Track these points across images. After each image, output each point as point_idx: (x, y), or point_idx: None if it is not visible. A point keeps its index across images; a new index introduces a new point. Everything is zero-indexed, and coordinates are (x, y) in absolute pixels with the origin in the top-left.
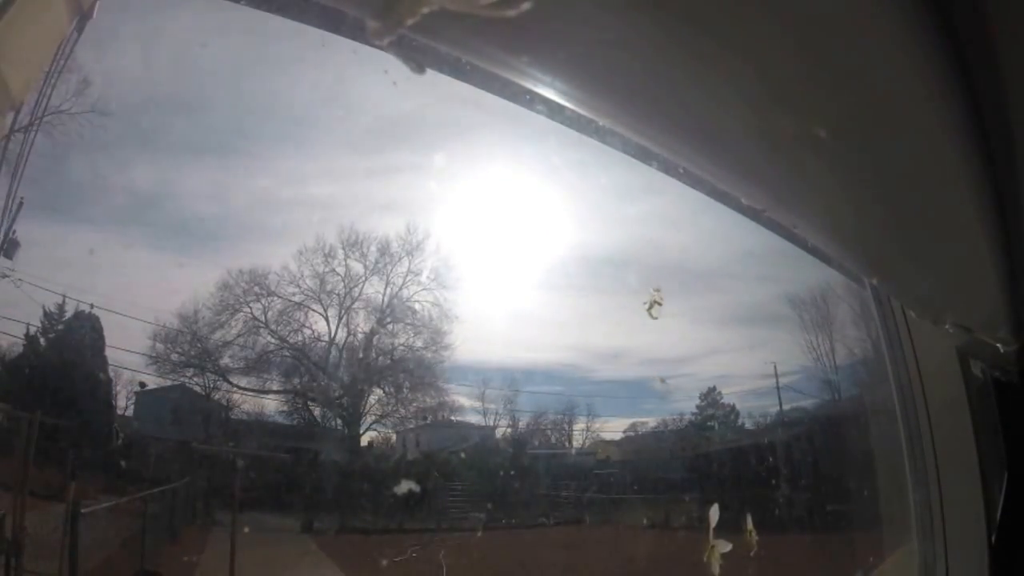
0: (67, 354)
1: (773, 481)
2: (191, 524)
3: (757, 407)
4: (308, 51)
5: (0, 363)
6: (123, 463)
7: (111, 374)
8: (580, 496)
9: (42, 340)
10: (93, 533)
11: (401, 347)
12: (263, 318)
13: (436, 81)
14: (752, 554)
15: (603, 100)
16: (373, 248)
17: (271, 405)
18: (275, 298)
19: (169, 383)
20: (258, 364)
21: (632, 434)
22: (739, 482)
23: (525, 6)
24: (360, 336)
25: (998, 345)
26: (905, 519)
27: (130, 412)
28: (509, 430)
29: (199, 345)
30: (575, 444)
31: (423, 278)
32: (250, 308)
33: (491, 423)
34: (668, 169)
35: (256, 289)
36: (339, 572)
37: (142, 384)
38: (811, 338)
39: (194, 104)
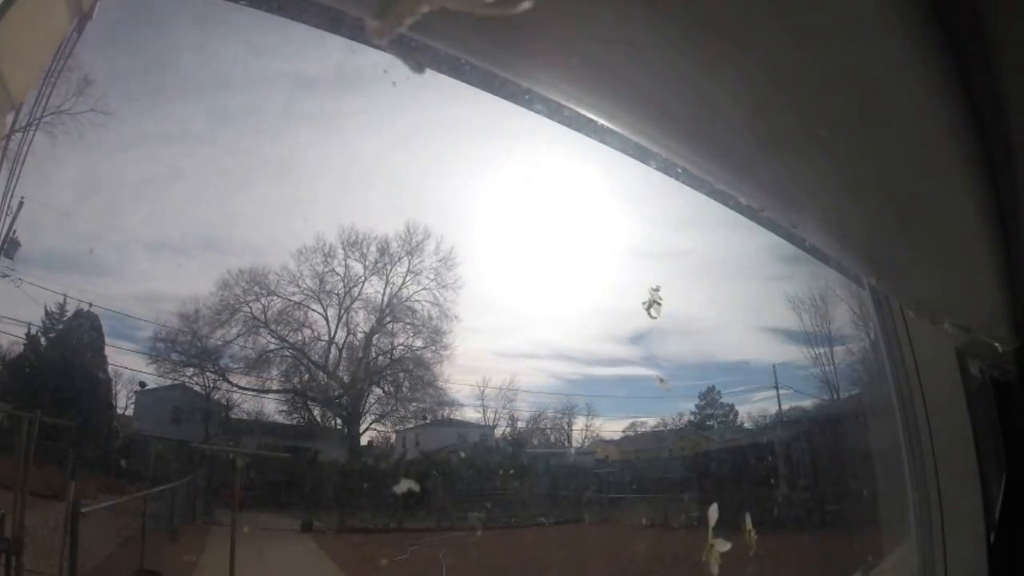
0: (67, 354)
1: (772, 481)
2: (191, 523)
3: (756, 407)
4: (307, 50)
5: (0, 363)
6: (123, 462)
7: (111, 374)
8: (579, 495)
9: (42, 340)
10: (93, 532)
11: (401, 347)
12: (263, 318)
13: (435, 81)
14: (751, 553)
15: (602, 100)
16: (373, 248)
17: (271, 405)
18: (275, 298)
19: (169, 383)
20: (258, 364)
21: (631, 434)
22: (738, 481)
23: (525, 6)
24: (360, 336)
25: (997, 345)
26: (904, 518)
27: (130, 412)
28: (509, 430)
29: (199, 345)
30: (574, 444)
31: (423, 278)
32: (250, 308)
33: (491, 423)
34: (667, 169)
35: (256, 289)
36: (339, 571)
37: (142, 384)
38: (810, 338)
39: (194, 103)
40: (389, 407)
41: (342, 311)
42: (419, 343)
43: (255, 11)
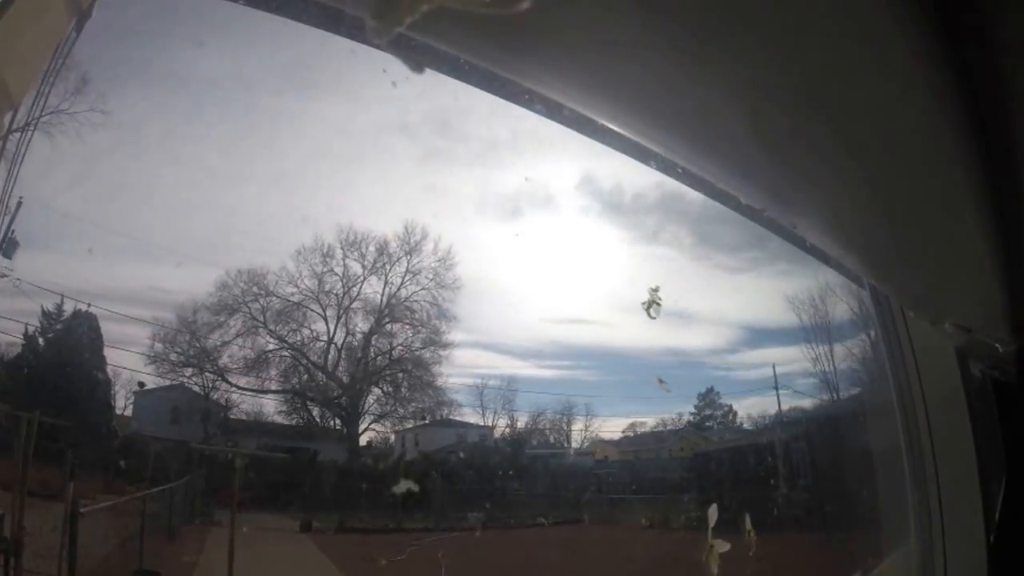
0: (66, 354)
1: (772, 481)
2: (190, 523)
3: (756, 407)
4: (306, 50)
5: None
6: (122, 463)
7: (110, 374)
8: (579, 496)
9: (41, 340)
10: (92, 532)
11: (399, 347)
12: (262, 318)
13: (435, 80)
14: (751, 554)
15: (603, 100)
16: (371, 248)
17: (270, 405)
18: (274, 298)
19: (168, 383)
20: (257, 364)
21: (631, 434)
22: (738, 482)
23: (525, 6)
24: (359, 336)
25: (997, 345)
26: (903, 519)
27: (129, 412)
28: (508, 430)
29: (198, 345)
30: (574, 444)
31: (421, 278)
32: (249, 308)
33: (490, 423)
34: (667, 169)
35: (255, 289)
36: (338, 571)
37: (141, 384)
38: (810, 338)
39: (193, 103)
40: (388, 407)
41: (341, 311)
42: (418, 343)
43: (254, 11)
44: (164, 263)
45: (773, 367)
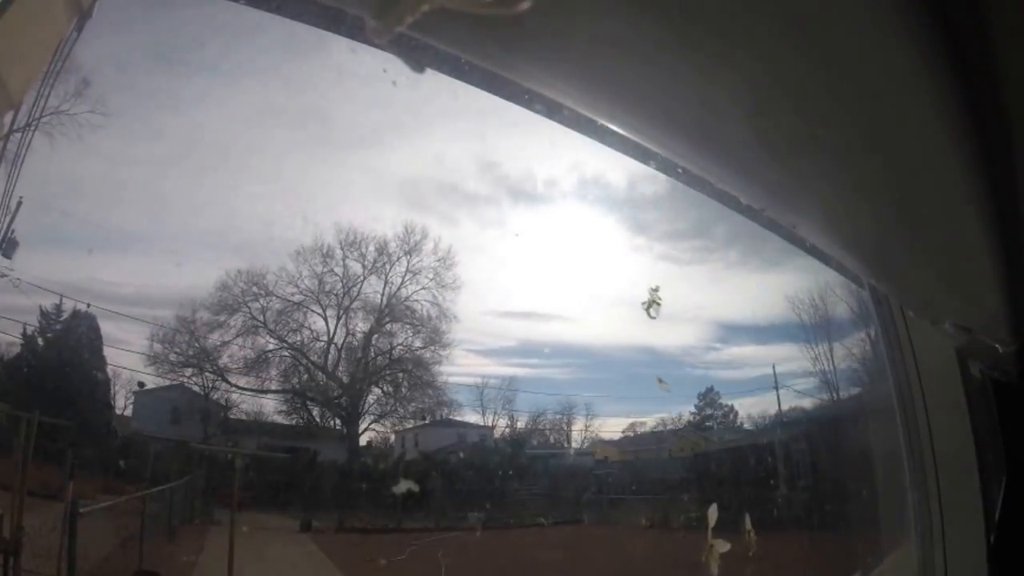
0: (65, 354)
1: (772, 481)
2: (189, 523)
3: (756, 407)
4: (307, 50)
5: None
6: (121, 463)
7: (109, 374)
8: (579, 496)
9: (40, 340)
10: (91, 532)
11: (400, 347)
12: (262, 318)
13: (435, 80)
14: (751, 554)
15: (603, 100)
16: (371, 248)
17: (270, 405)
18: (274, 298)
19: (168, 383)
20: (257, 364)
21: (631, 434)
22: (738, 482)
23: (525, 5)
24: (359, 336)
25: (997, 346)
26: (904, 519)
27: (129, 412)
28: (508, 430)
29: (198, 345)
30: (573, 444)
31: (421, 278)
32: (249, 308)
33: (490, 423)
34: (667, 169)
35: (255, 289)
36: (338, 571)
37: (141, 384)
38: (810, 338)
39: (193, 103)
40: (388, 407)
41: (341, 311)
42: (418, 343)
43: (255, 11)
44: (164, 263)
45: (773, 367)
